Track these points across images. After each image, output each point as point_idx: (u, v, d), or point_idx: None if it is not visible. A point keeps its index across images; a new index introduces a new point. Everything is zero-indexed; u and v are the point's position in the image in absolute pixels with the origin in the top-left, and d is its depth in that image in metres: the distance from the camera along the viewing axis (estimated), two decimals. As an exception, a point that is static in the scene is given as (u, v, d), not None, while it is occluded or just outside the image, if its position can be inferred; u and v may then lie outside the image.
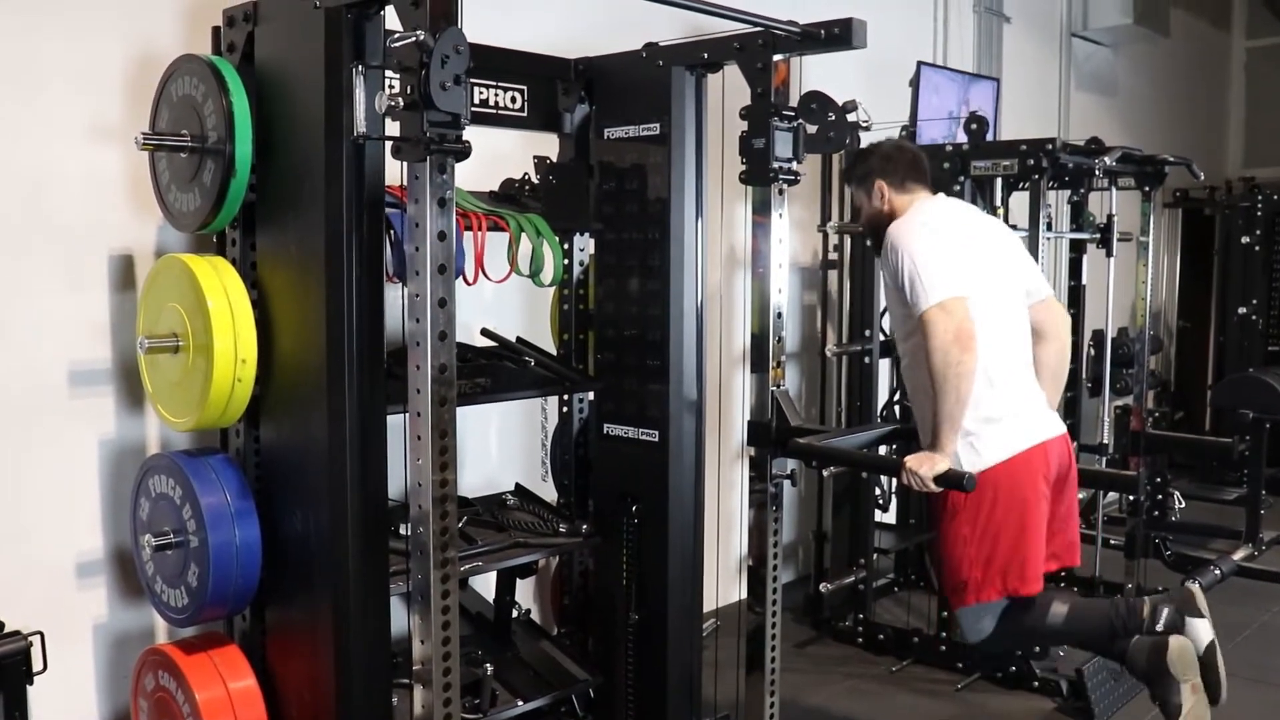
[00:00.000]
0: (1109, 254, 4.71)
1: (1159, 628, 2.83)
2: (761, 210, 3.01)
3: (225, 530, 2.50)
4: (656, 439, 3.19)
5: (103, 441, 2.96)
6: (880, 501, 4.62)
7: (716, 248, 4.10)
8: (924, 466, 2.66)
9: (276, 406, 2.56)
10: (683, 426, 3.17)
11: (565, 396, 3.51)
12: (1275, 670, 4.30)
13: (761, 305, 3.05)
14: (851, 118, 2.87)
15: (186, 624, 2.63)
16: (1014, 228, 4.17)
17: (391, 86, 2.24)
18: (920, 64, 4.50)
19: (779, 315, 3.04)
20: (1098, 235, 4.72)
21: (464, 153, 2.19)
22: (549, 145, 3.37)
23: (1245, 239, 6.91)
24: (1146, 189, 4.62)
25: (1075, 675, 3.86)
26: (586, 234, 3.43)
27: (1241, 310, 6.88)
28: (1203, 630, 2.82)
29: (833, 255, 4.81)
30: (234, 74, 2.48)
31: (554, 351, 3.51)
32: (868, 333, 4.46)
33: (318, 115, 2.34)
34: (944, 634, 4.24)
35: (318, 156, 2.35)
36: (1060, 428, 3.00)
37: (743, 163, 3.00)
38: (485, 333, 3.40)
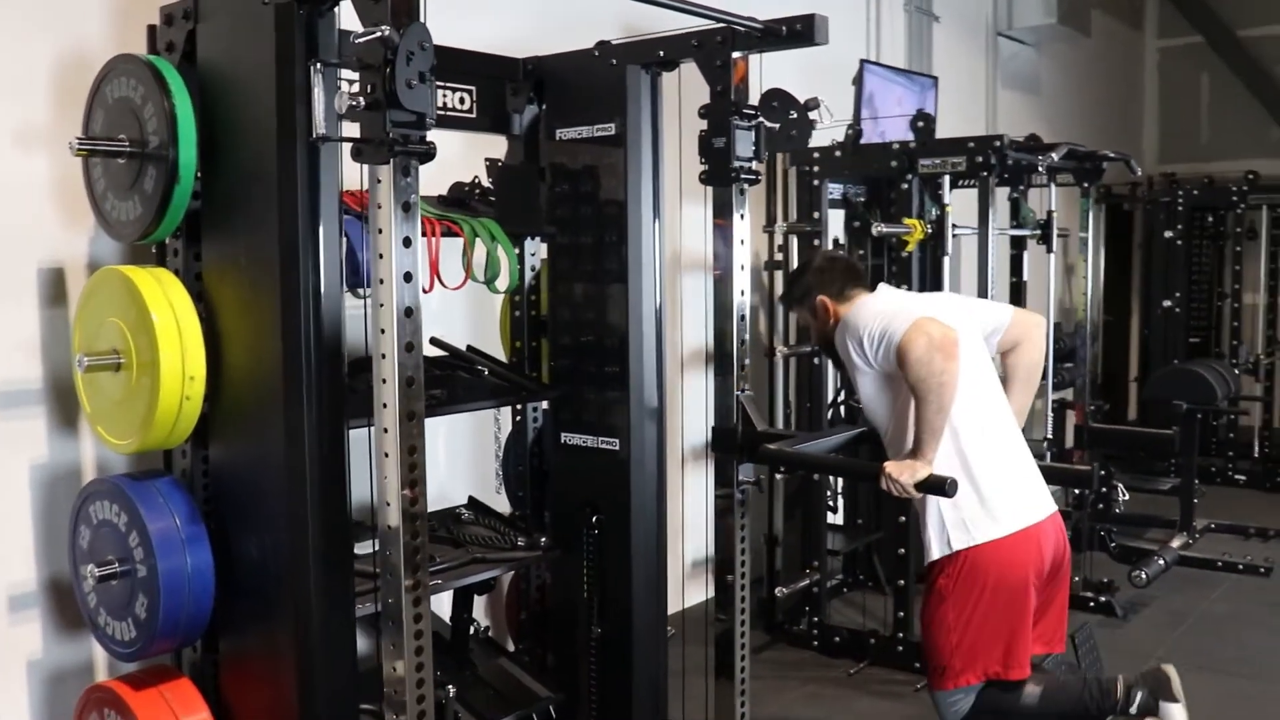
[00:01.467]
0: (1049, 250, 4.75)
1: (1133, 710, 2.82)
2: (722, 211, 2.94)
3: (175, 557, 2.36)
4: (617, 447, 3.10)
5: (35, 466, 2.79)
6: (830, 503, 4.59)
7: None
8: (905, 474, 2.60)
9: (228, 425, 2.43)
10: (644, 434, 3.09)
11: (519, 405, 3.41)
12: (1223, 658, 4.35)
13: (724, 308, 2.99)
14: (813, 115, 2.81)
15: (134, 658, 2.48)
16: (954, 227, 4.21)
17: (350, 85, 2.13)
18: (863, 62, 4.49)
19: (742, 318, 2.98)
20: (1038, 231, 4.75)
21: (429, 154, 2.10)
22: (497, 147, 3.27)
23: (1168, 233, 7.05)
24: (1085, 185, 4.66)
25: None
26: (537, 238, 3.34)
27: (1166, 303, 7.02)
28: (1177, 715, 2.81)
29: (778, 256, 4.77)
30: (175, 74, 2.35)
31: (505, 359, 3.41)
32: (817, 333, 4.42)
33: (269, 116, 2.22)
34: (900, 634, 4.22)
35: (270, 160, 2.23)
36: (1051, 505, 2.90)
37: (702, 163, 2.93)
38: (435, 342, 3.28)
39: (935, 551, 2.78)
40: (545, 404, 3.37)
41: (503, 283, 2.98)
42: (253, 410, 2.36)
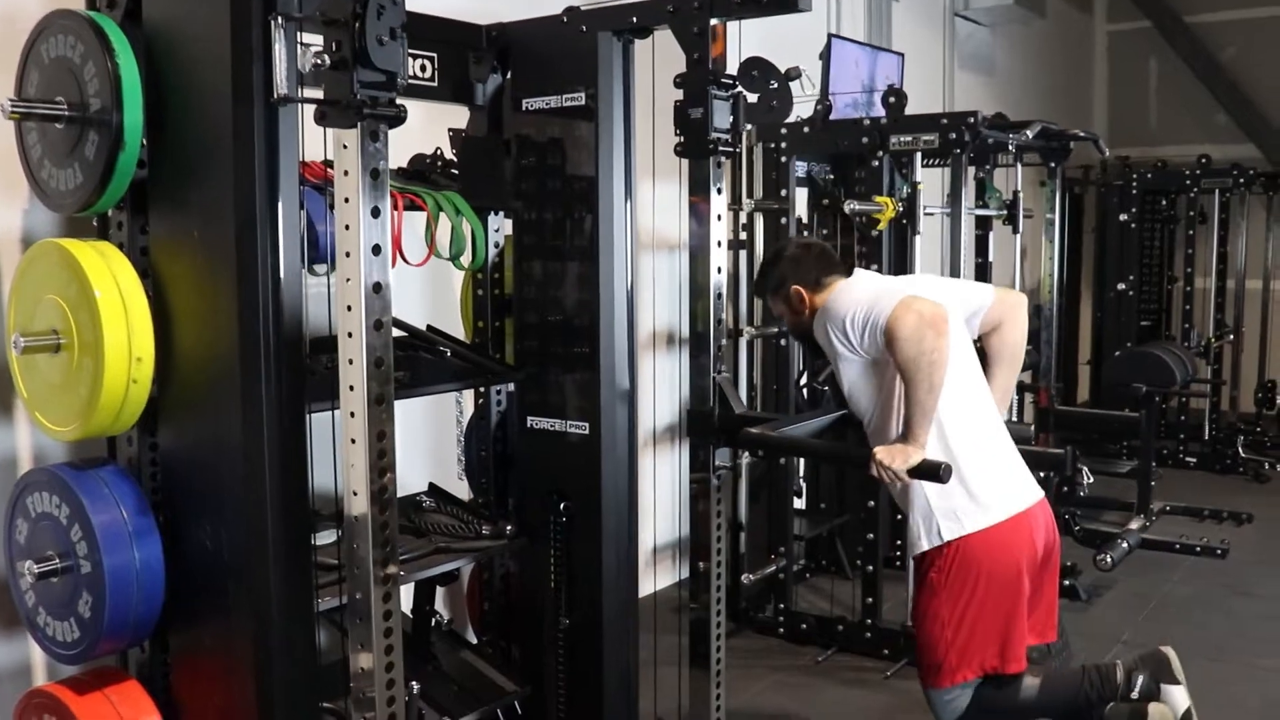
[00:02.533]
0: (1015, 231, 4.69)
1: (1134, 695, 2.75)
2: (699, 185, 2.82)
3: (123, 552, 2.20)
4: (587, 431, 2.98)
5: (-35, 455, 2.61)
6: (796, 488, 4.50)
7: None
8: (897, 459, 2.49)
9: (178, 409, 2.27)
10: (615, 417, 2.97)
11: (482, 388, 3.27)
12: (1188, 640, 4.31)
13: (699, 286, 2.87)
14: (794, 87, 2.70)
15: (78, 660, 2.32)
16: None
17: (311, 45, 1.98)
18: (831, 36, 4.38)
19: (719, 297, 2.87)
20: (1004, 212, 4.69)
21: (398, 118, 1.96)
22: (460, 118, 3.12)
23: (1123, 216, 7.05)
24: (1052, 165, 4.61)
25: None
26: (501, 213, 3.20)
27: (1120, 286, 7.02)
28: (1179, 697, 2.74)
29: (743, 235, 4.67)
30: (119, 32, 2.18)
31: (466, 340, 3.27)
32: (783, 314, 4.32)
33: (223, 77, 2.06)
34: (869, 621, 4.15)
35: (225, 124, 2.07)
36: (1039, 491, 2.82)
37: (677, 134, 2.81)
38: (394, 321, 3.13)
39: (924, 543, 2.68)
40: (510, 386, 3.24)
41: (468, 259, 2.84)
42: (206, 393, 2.20)
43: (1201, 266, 7.52)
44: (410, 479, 3.44)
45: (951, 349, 2.63)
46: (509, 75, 3.05)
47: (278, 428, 2.12)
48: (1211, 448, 7.34)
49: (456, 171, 3.12)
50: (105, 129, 2.15)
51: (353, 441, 1.98)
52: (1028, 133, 4.02)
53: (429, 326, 3.18)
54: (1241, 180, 7.18)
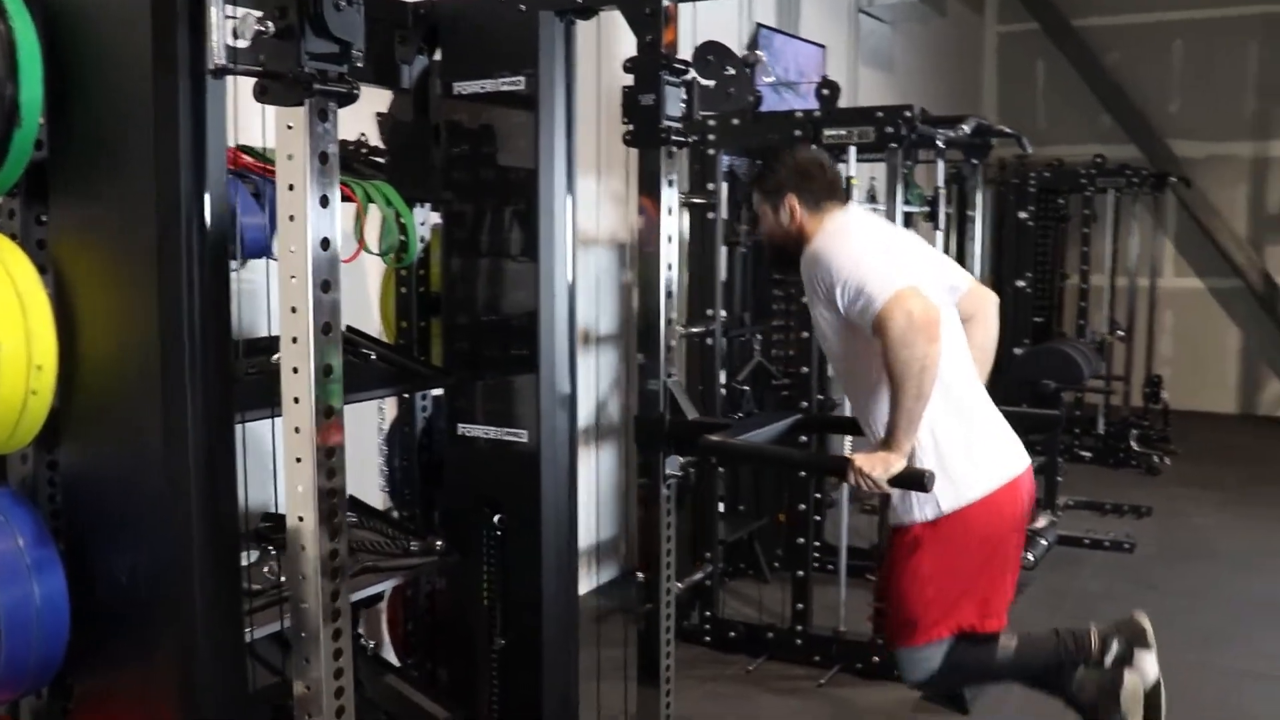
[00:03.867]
0: (936, 228, 4.62)
1: (1108, 661, 2.70)
2: (650, 177, 2.65)
3: (19, 586, 1.93)
4: (525, 439, 2.79)
5: None
6: (721, 491, 4.38)
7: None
8: (878, 468, 2.36)
9: (85, 423, 2.00)
10: (555, 423, 2.79)
11: (406, 394, 3.05)
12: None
13: (649, 284, 2.71)
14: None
15: (-35, 710, 2.04)
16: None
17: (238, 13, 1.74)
18: (760, 26, 4.25)
19: (670, 295, 2.70)
20: (926, 208, 4.62)
21: (350, 95, 1.74)
22: (381, 102, 2.90)
23: (1022, 214, 7.11)
24: (975, 161, 4.56)
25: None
26: (427, 205, 2.98)
27: (1019, 284, 7.08)
28: (1150, 665, 2.71)
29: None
30: (14, -8, 1.90)
31: (388, 341, 3.05)
32: (710, 312, 4.19)
33: (142, 46, 1.81)
34: (799, 627, 4.04)
35: (144, 99, 1.82)
36: (1027, 458, 2.77)
37: (625, 122, 2.64)
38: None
39: (918, 515, 2.57)
40: (436, 392, 3.02)
41: (402, 254, 2.63)
42: (119, 405, 1.94)
43: (1095, 264, 7.66)
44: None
45: (948, 323, 2.56)
46: (438, 56, 2.83)
47: (204, 441, 1.88)
48: (1105, 442, 7.48)
49: (381, 160, 2.89)
50: (-2, 103, 1.88)
51: (298, 460, 1.75)
52: (965, 127, 3.96)
53: (349, 328, 2.94)
54: (1135, 180, 7.33)
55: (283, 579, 2.47)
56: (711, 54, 2.60)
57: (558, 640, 2.86)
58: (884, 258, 2.61)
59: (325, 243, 1.73)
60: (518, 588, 2.84)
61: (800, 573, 4.07)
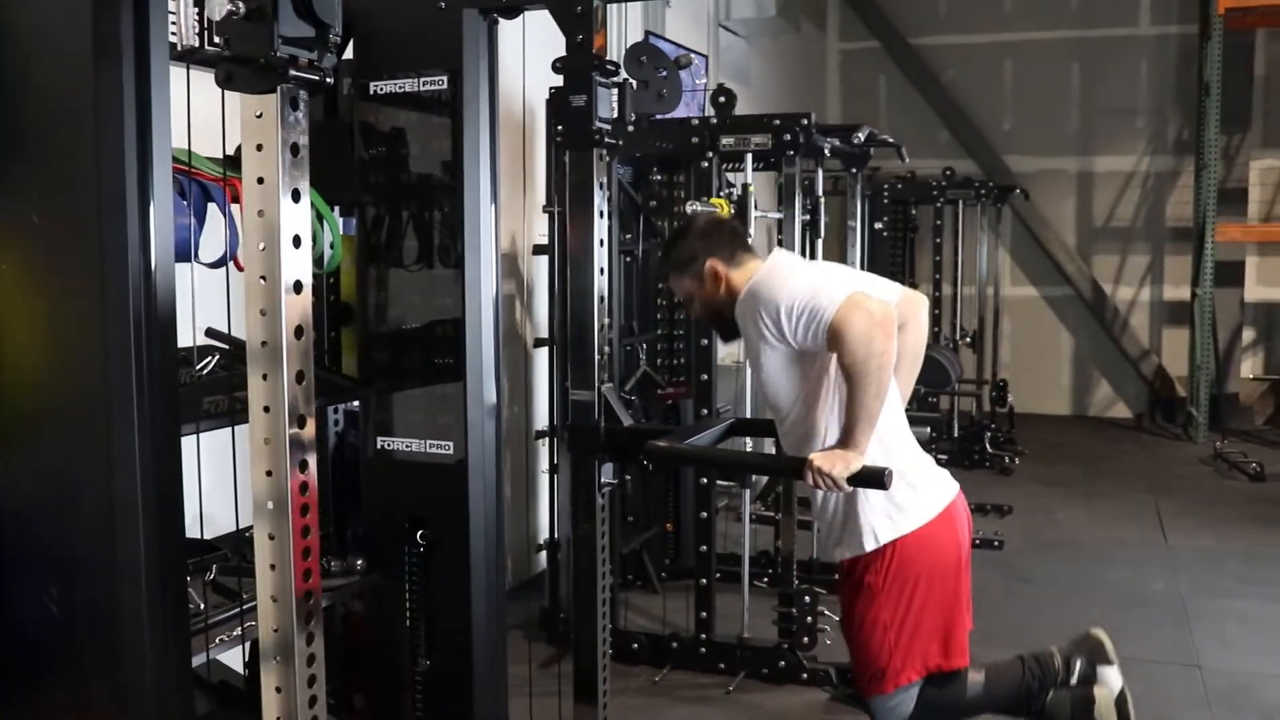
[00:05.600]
0: (817, 235, 4.71)
1: (1074, 679, 2.78)
2: (581, 180, 2.60)
3: (-65, 624, 1.74)
4: (451, 451, 2.69)
5: None
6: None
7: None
8: (836, 466, 2.34)
9: (11, 442, 1.82)
10: (483, 435, 2.69)
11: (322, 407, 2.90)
12: (995, 629, 4.46)
13: (581, 290, 2.65)
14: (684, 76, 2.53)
15: None
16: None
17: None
18: (649, 34, 4.25)
19: (602, 300, 2.65)
20: (806, 216, 4.70)
21: (321, 84, 1.63)
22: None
23: (878, 225, 7.32)
24: (854, 170, 4.66)
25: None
26: (334, 209, 2.85)
27: (876, 293, 7.27)
28: (1113, 677, 2.79)
29: (541, 240, 4.46)
30: (-78, -32, 1.72)
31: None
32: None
33: (80, 28, 1.66)
34: (703, 636, 4.03)
35: (82, 87, 1.67)
36: (956, 485, 2.77)
37: (555, 125, 2.58)
38: (213, 334, 2.72)
39: (856, 547, 2.57)
40: (350, 405, 2.89)
41: (326, 260, 2.50)
42: (53, 421, 1.77)
43: (945, 273, 7.95)
44: (227, 514, 3.01)
45: None
46: (352, 54, 2.71)
47: (152, 458, 1.73)
48: (958, 444, 7.75)
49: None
50: (-95, 90, 1.70)
51: (268, 474, 1.63)
52: (859, 135, 4.04)
53: (254, 338, 2.78)
54: (983, 192, 7.64)
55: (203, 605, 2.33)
56: (644, 54, 2.56)
57: (487, 659, 2.76)
58: (823, 277, 2.62)
59: (297, 240, 1.62)
60: (444, 606, 2.73)
61: (704, 581, 4.06)
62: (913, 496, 2.58)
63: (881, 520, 2.56)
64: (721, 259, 2.69)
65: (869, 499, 2.54)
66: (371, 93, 2.67)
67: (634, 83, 2.62)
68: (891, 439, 2.58)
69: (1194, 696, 3.94)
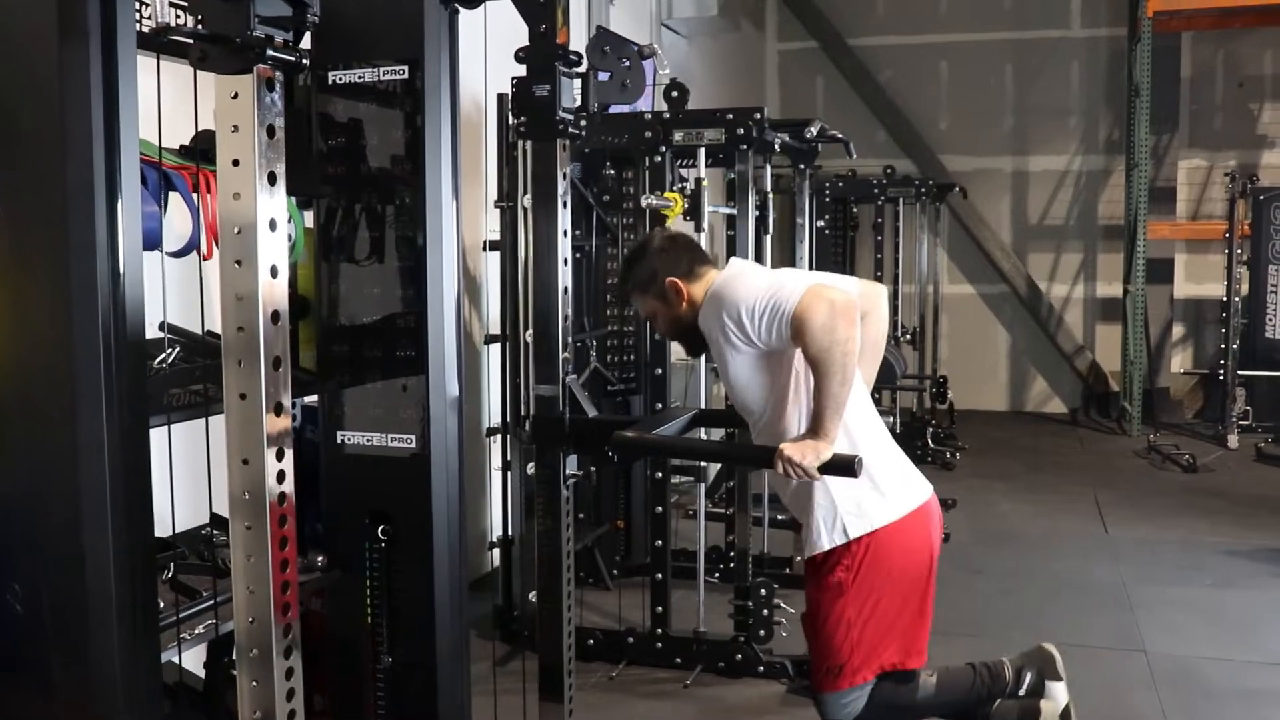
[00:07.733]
0: (765, 231, 4.74)
1: (1022, 690, 2.83)
2: (544, 170, 2.59)
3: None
4: (413, 444, 2.65)
5: None
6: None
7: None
8: (807, 455, 2.35)
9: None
10: (445, 428, 2.66)
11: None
12: (949, 621, 4.46)
13: (545, 283, 2.63)
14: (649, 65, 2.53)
15: None
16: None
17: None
18: (600, 29, 4.23)
19: (566, 290, 2.64)
20: (756, 213, 4.72)
21: (298, 65, 1.61)
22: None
23: (819, 223, 7.37)
24: (802, 166, 4.70)
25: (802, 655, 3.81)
26: (293, 199, 2.80)
27: (820, 290, 7.34)
28: (1060, 693, 2.85)
29: (494, 235, 4.43)
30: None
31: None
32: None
33: (43, 5, 1.61)
34: (659, 630, 4.03)
35: (46, 69, 1.62)
36: (930, 487, 2.80)
37: (516, 114, 2.56)
38: (170, 328, 2.66)
39: (826, 542, 2.58)
40: (307, 399, 2.84)
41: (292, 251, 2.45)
42: (18, 416, 1.72)
43: (886, 271, 8.05)
44: (185, 510, 2.95)
45: None
46: (309, 43, 2.67)
47: (121, 451, 1.68)
48: (902, 441, 7.82)
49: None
50: None
51: (244, 463, 1.60)
52: (811, 130, 4.06)
53: (209, 332, 2.73)
54: (923, 191, 7.74)
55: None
56: (607, 44, 2.56)
57: (451, 656, 2.73)
58: (782, 276, 2.64)
59: (273, 224, 1.59)
60: (405, 602, 2.70)
61: (659, 575, 4.07)
62: (883, 490, 2.60)
63: (852, 516, 2.57)
64: (680, 275, 2.71)
65: (839, 492, 2.55)
66: (330, 83, 2.63)
67: (597, 72, 2.62)
68: (859, 434, 2.59)
69: (1141, 679, 4.03)
